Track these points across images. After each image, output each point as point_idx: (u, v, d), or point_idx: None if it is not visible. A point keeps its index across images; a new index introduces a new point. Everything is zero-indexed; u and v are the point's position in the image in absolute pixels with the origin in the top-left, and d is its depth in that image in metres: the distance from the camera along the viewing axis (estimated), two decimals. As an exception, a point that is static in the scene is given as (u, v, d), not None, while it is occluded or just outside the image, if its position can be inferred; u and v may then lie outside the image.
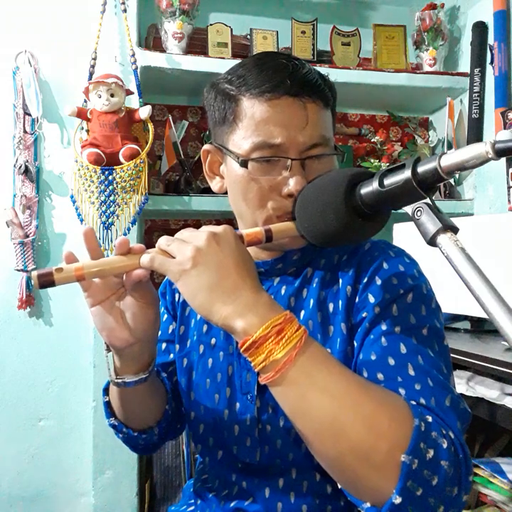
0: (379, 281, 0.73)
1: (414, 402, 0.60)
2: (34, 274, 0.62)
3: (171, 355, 0.91)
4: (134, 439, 0.84)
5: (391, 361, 0.66)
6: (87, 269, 0.63)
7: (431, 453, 0.54)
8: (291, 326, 0.58)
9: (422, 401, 0.61)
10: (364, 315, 0.72)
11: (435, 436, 0.56)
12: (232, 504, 0.81)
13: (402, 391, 0.63)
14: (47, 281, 0.62)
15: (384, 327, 0.69)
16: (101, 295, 0.69)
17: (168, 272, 0.62)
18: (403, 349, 0.67)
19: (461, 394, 1.32)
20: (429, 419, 0.58)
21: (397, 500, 0.53)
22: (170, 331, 0.92)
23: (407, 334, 0.68)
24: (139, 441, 0.85)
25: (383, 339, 0.68)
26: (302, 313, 0.78)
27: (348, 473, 0.57)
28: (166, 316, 0.93)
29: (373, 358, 0.68)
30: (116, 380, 0.75)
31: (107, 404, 0.83)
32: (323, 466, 0.60)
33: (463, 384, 1.36)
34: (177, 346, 0.88)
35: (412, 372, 0.64)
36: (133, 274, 0.66)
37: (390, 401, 0.59)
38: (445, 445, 0.56)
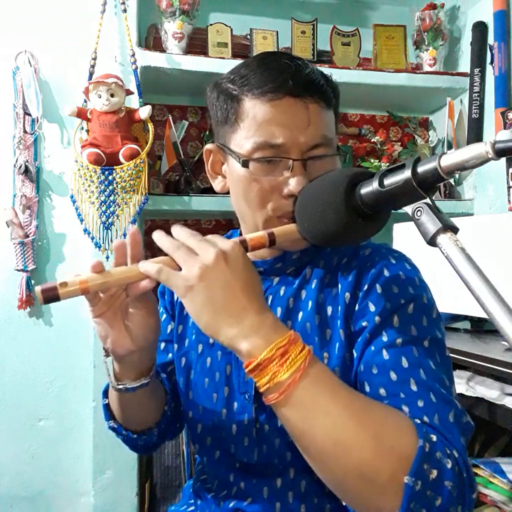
0: (379, 290, 0.72)
1: (418, 421, 0.60)
2: (38, 289, 0.61)
3: (170, 355, 0.91)
4: (134, 440, 0.85)
5: (393, 376, 0.66)
6: (91, 282, 0.63)
7: (434, 474, 0.54)
8: (296, 347, 0.58)
9: (426, 419, 0.61)
10: (364, 324, 0.71)
11: (439, 456, 0.56)
12: (231, 504, 0.81)
13: (405, 408, 0.62)
14: (51, 296, 0.61)
15: (385, 339, 0.69)
16: (104, 306, 0.69)
17: (174, 287, 0.62)
18: (405, 363, 0.66)
19: (461, 394, 1.32)
20: (434, 438, 0.58)
21: None
22: (168, 330, 0.92)
23: (408, 346, 0.68)
24: (138, 442, 0.86)
25: (384, 352, 0.68)
26: (300, 314, 0.78)
27: (351, 493, 0.58)
28: (164, 315, 0.93)
29: (375, 372, 0.67)
30: (117, 386, 0.76)
31: (107, 407, 0.83)
32: (327, 485, 0.60)
33: (463, 384, 1.36)
34: (175, 346, 0.88)
35: (414, 388, 0.64)
36: (139, 286, 0.66)
37: (394, 422, 0.59)
38: (449, 465, 0.56)
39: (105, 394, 0.83)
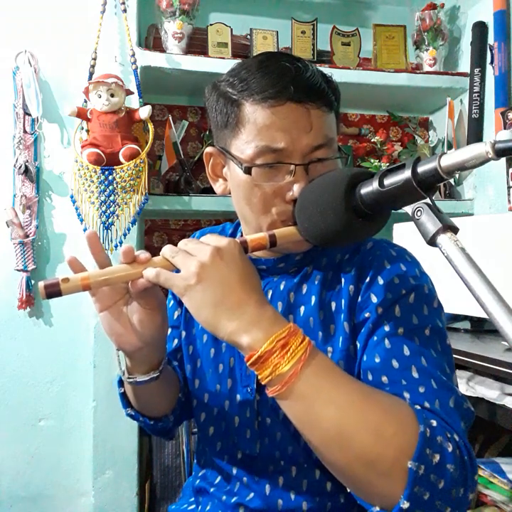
0: (381, 281, 0.73)
1: (418, 406, 0.61)
2: (41, 284, 0.63)
3: (176, 341, 0.93)
4: (152, 426, 0.88)
5: (395, 364, 0.67)
6: (92, 279, 0.65)
7: (437, 458, 0.55)
8: (296, 338, 0.59)
9: (427, 404, 0.62)
10: (367, 315, 0.72)
11: (440, 440, 0.57)
12: (233, 499, 0.81)
13: (406, 395, 0.63)
14: (53, 292, 0.63)
15: (387, 328, 0.70)
16: (108, 300, 0.70)
17: (174, 287, 0.63)
18: (406, 351, 0.67)
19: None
20: (434, 423, 0.59)
21: (405, 505, 0.54)
22: (175, 316, 0.93)
23: (409, 335, 0.69)
24: (156, 427, 0.88)
25: (386, 341, 0.69)
26: (302, 309, 0.78)
27: (356, 480, 0.58)
28: (172, 302, 0.95)
29: (377, 360, 0.68)
30: (128, 379, 0.77)
31: (123, 395, 0.85)
32: (333, 473, 0.61)
33: (463, 384, 1.36)
34: (183, 333, 0.90)
35: (415, 375, 0.65)
36: (138, 283, 0.67)
37: (395, 408, 0.59)
38: (450, 449, 0.57)
39: (120, 383, 0.84)
